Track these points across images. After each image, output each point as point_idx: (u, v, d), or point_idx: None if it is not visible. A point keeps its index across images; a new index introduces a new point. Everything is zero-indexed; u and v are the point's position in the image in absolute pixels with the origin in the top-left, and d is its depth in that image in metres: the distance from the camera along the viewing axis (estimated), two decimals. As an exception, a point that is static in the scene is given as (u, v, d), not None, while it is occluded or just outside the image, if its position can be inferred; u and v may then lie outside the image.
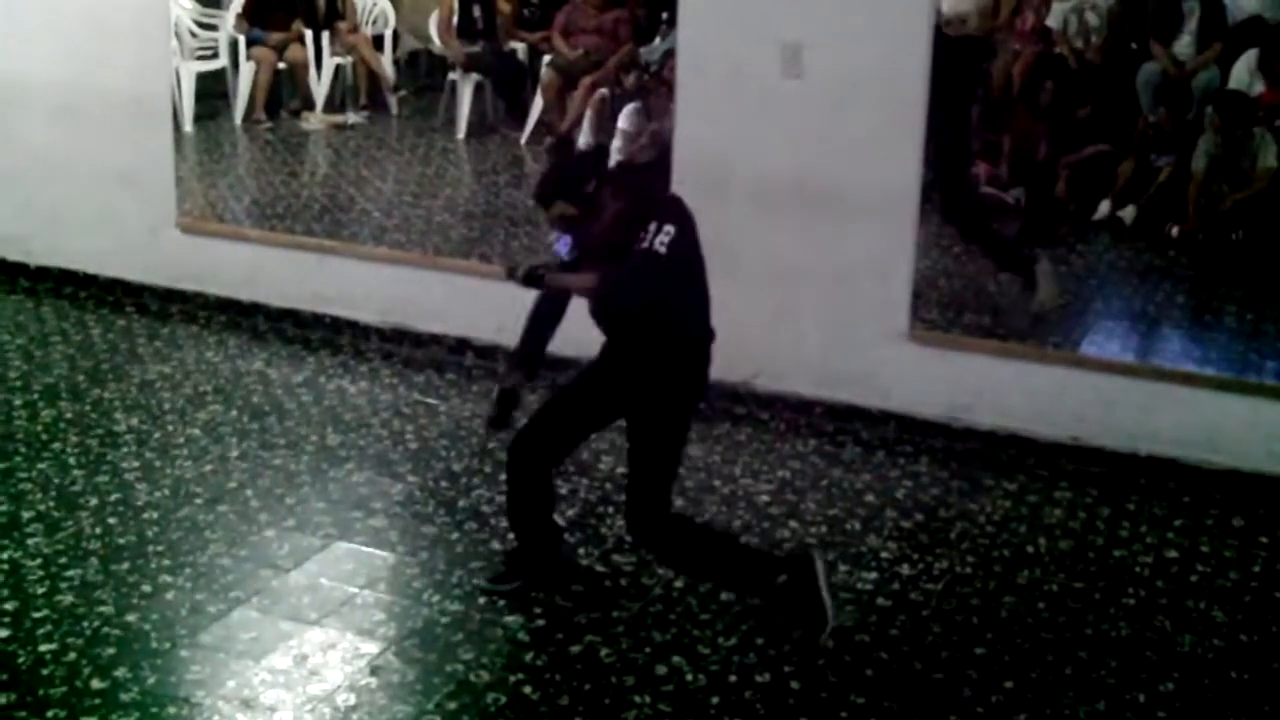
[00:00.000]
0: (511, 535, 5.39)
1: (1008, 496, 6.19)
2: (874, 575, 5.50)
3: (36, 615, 5.03)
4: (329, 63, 11.54)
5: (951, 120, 7.41)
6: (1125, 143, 9.34)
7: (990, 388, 6.60)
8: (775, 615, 5.05)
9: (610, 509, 5.91)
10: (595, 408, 5.16)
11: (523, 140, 10.98)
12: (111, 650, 4.85)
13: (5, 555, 5.43)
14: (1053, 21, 10.12)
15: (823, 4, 6.47)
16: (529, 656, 4.90)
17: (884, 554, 5.67)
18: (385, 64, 11.92)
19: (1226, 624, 5.25)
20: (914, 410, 6.69)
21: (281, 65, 11.30)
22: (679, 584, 5.36)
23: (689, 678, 4.81)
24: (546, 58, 11.11)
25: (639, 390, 4.97)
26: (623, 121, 9.58)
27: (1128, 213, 9.10)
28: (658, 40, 10.68)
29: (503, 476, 6.14)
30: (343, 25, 11.67)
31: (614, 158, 9.62)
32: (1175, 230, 8.89)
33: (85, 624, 4.99)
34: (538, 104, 10.92)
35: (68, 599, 5.15)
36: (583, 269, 4.94)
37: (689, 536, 5.15)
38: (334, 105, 11.59)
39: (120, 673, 4.73)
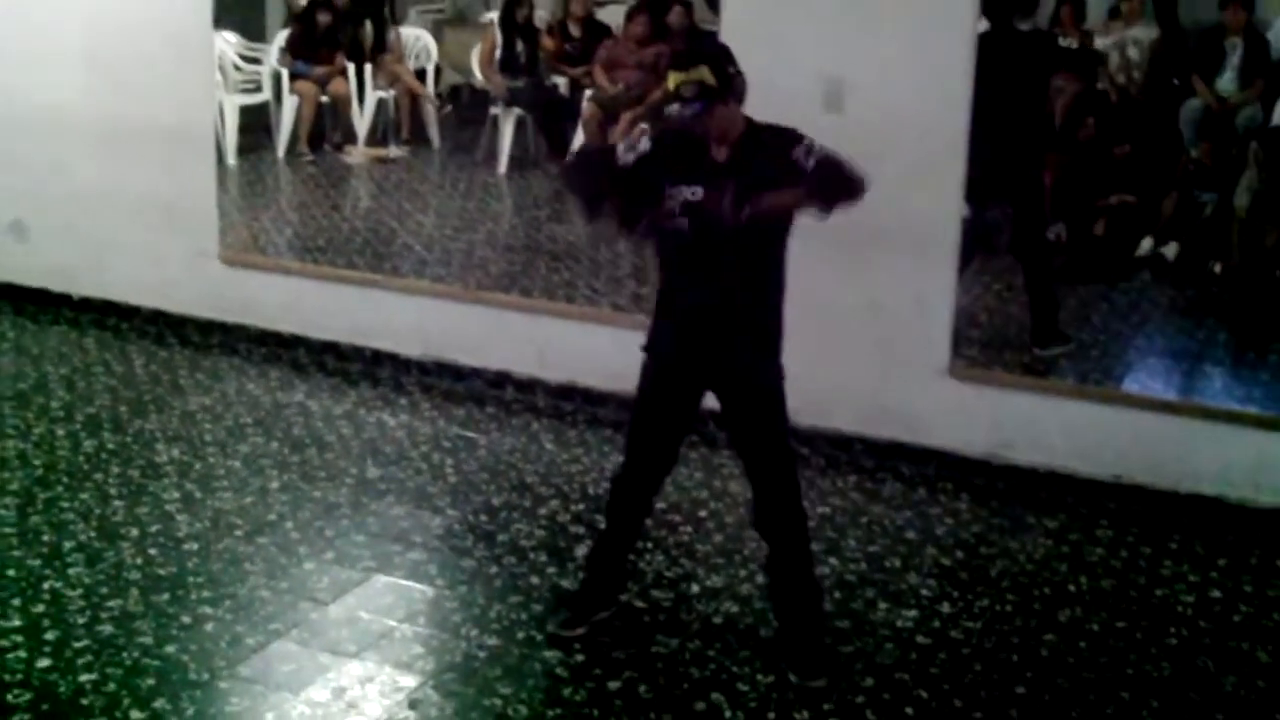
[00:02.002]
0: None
1: (1049, 534, 6.15)
2: (914, 613, 5.47)
3: (77, 645, 5.05)
4: (371, 96, 11.59)
5: (1031, 155, 7.40)
6: (1167, 179, 9.30)
7: (1032, 425, 6.57)
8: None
9: (650, 544, 5.90)
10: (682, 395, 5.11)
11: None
12: (151, 681, 4.85)
13: (47, 585, 5.45)
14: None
15: (864, 39, 6.47)
16: (567, 692, 4.89)
17: (924, 591, 5.64)
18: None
19: (1270, 664, 5.20)
20: (955, 447, 6.66)
21: (324, 99, 11.35)
22: (718, 620, 5.34)
23: (727, 715, 4.78)
24: (588, 92, 11.14)
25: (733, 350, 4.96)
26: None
27: (1170, 249, 9.05)
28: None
29: (541, 511, 6.17)
30: (389, 57, 11.72)
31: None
32: (1218, 267, 8.84)
33: (125, 654, 5.00)
34: (579, 138, 10.94)
35: (108, 629, 5.16)
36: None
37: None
38: (376, 139, 11.63)
39: (159, 704, 4.73)
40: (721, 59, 4.75)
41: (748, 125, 4.82)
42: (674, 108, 4.69)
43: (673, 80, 4.67)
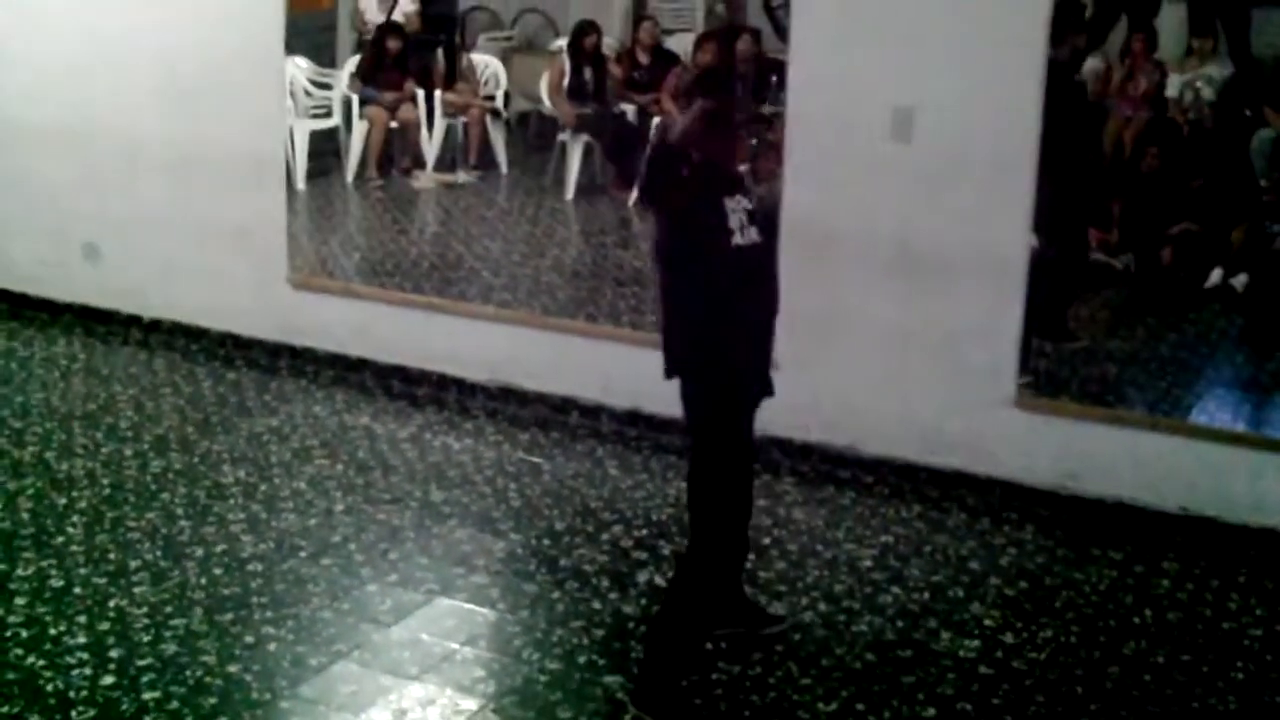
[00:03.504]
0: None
1: (1114, 566, 6.10)
2: (977, 643, 5.43)
3: (141, 663, 5.08)
4: (440, 122, 11.65)
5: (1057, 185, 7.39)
6: (1237, 210, 9.23)
7: (1098, 455, 6.52)
8: None
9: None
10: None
11: (630, 202, 11.01)
12: (213, 700, 4.88)
13: (112, 603, 5.50)
14: (1170, 91, 10.03)
15: (933, 68, 6.45)
16: (627, 717, 4.88)
17: (987, 622, 5.61)
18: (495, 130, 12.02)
19: (1339, 701, 5.15)
20: (1020, 477, 6.62)
21: (393, 124, 11.42)
22: (780, 648, 5.32)
23: (788, 742, 4.78)
24: (656, 120, 11.15)
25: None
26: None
27: (1240, 280, 8.98)
28: (766, 104, 10.69)
29: (605, 536, 6.18)
30: (462, 85, 11.78)
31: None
32: (1288, 298, 8.77)
33: (188, 673, 5.03)
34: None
35: (172, 648, 5.20)
36: None
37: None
38: (444, 165, 11.68)
39: (222, 723, 4.77)
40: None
41: None
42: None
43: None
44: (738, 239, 4.77)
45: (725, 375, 4.88)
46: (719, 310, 4.78)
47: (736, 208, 4.79)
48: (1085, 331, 7.96)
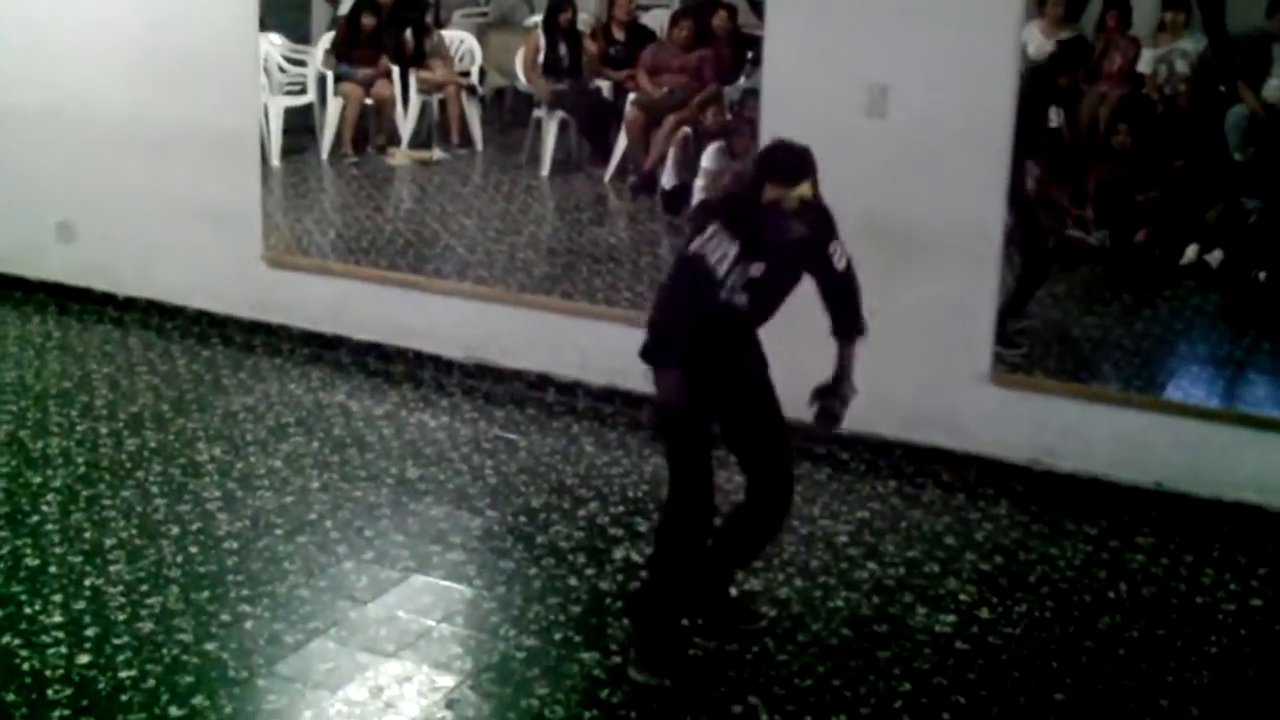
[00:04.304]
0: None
1: (1089, 541, 6.13)
2: (952, 618, 5.45)
3: (117, 642, 5.08)
4: (415, 99, 11.62)
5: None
6: (1212, 186, 9.25)
7: (1073, 431, 6.54)
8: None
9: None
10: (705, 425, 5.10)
11: (606, 178, 11.00)
12: (190, 678, 4.88)
13: (88, 582, 5.49)
14: (1144, 66, 10.04)
15: (908, 45, 6.46)
16: (604, 693, 4.89)
17: (963, 597, 5.63)
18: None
19: (1312, 674, 5.18)
20: (995, 453, 6.64)
21: (368, 101, 11.39)
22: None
23: (764, 717, 4.78)
24: (631, 96, 11.13)
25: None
26: (706, 160, 9.60)
27: (1214, 257, 9.00)
28: (742, 80, 10.69)
29: (581, 513, 6.18)
30: (439, 67, 11.74)
31: (696, 196, 9.65)
32: (1262, 275, 8.79)
33: (164, 651, 5.03)
34: (622, 142, 10.94)
35: (148, 626, 5.19)
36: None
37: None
38: (419, 141, 11.66)
39: (198, 701, 4.76)
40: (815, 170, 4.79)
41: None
42: (795, 225, 4.75)
43: (797, 195, 4.71)
44: (724, 295, 4.79)
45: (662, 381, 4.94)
46: (683, 325, 4.89)
47: (742, 270, 4.77)
48: (1053, 312, 7.96)
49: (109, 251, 8.67)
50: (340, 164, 11.20)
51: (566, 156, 11.47)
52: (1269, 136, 9.42)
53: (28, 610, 5.27)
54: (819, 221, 4.89)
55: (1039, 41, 9.55)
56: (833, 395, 5.19)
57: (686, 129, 10.28)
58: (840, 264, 5.02)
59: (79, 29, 8.44)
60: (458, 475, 6.56)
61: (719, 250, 4.75)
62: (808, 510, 6.31)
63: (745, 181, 4.85)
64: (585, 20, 12.14)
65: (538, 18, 12.04)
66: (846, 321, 5.17)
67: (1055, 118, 8.37)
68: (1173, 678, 5.10)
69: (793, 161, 4.76)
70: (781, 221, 4.73)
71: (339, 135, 11.21)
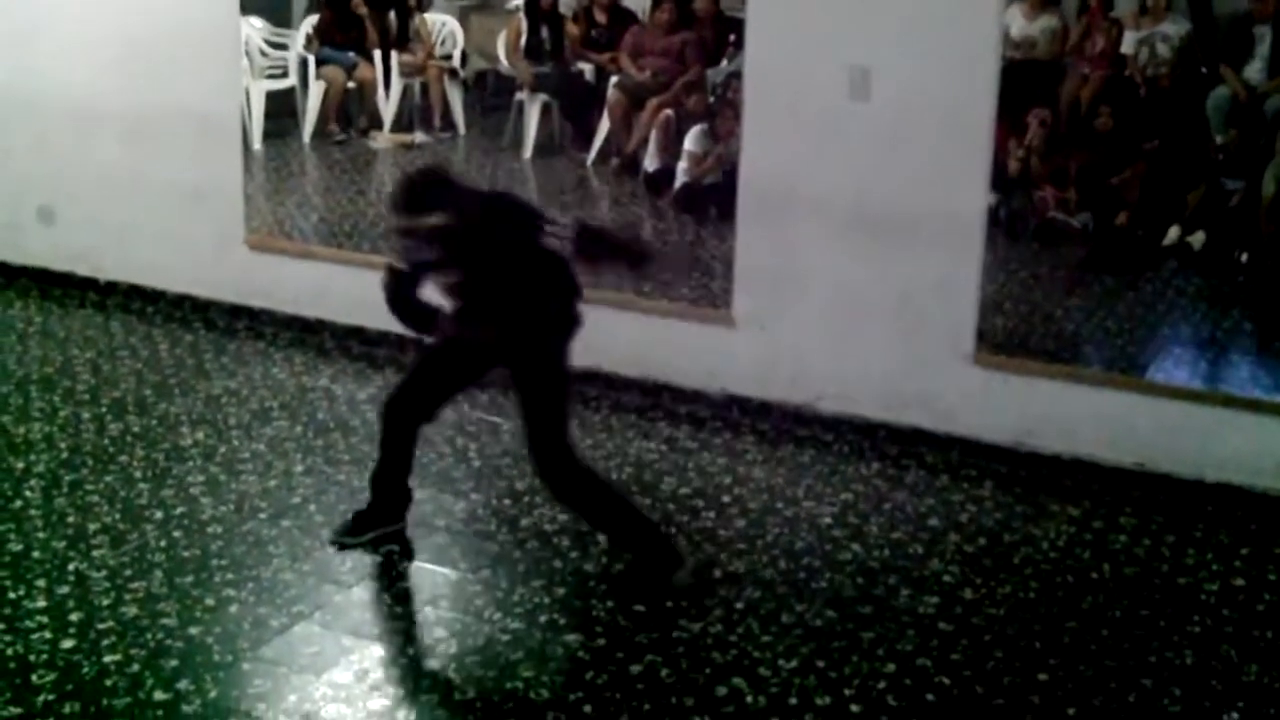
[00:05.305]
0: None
1: (1072, 522, 6.14)
2: (936, 599, 5.47)
3: (101, 626, 5.07)
4: (397, 83, 11.60)
5: None
6: (1194, 168, 9.26)
7: (1056, 412, 6.56)
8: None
9: (673, 529, 5.91)
10: (468, 365, 5.62)
11: (589, 161, 10.99)
12: (174, 662, 4.88)
13: (72, 567, 5.48)
14: (1126, 48, 10.05)
15: (890, 27, 6.46)
16: (589, 675, 4.90)
17: (946, 578, 5.64)
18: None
19: (1293, 654, 5.20)
20: (979, 434, 6.66)
21: (350, 85, 11.36)
22: (740, 605, 5.35)
23: (749, 699, 4.79)
24: (613, 79, 11.12)
25: (514, 342, 5.41)
26: (689, 143, 9.62)
27: (1197, 238, 9.02)
28: (725, 62, 10.69)
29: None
30: (419, 51, 11.72)
31: (680, 179, 9.66)
32: (1244, 256, 8.81)
33: (149, 636, 5.02)
34: (604, 125, 10.94)
35: (132, 611, 5.18)
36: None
37: (594, 486, 5.53)
38: (402, 125, 11.64)
39: (183, 685, 4.75)
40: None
41: None
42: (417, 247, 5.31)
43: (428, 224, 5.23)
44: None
45: None
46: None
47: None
48: (1035, 293, 7.98)
49: (90, 236, 8.65)
50: (322, 147, 11.18)
51: (549, 139, 11.46)
52: (1251, 118, 9.44)
53: (11, 595, 5.26)
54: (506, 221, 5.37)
55: (1020, 24, 9.58)
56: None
57: (669, 112, 10.28)
58: (567, 249, 5.32)
59: (59, 12, 8.40)
60: (441, 458, 6.55)
61: None
62: (791, 492, 6.32)
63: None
64: (567, 3, 12.11)
65: (520, 1, 12.02)
66: (622, 261, 5.85)
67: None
68: (1155, 658, 5.11)
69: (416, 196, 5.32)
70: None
71: (321, 119, 11.19)
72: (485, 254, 5.27)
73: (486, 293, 5.33)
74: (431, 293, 5.43)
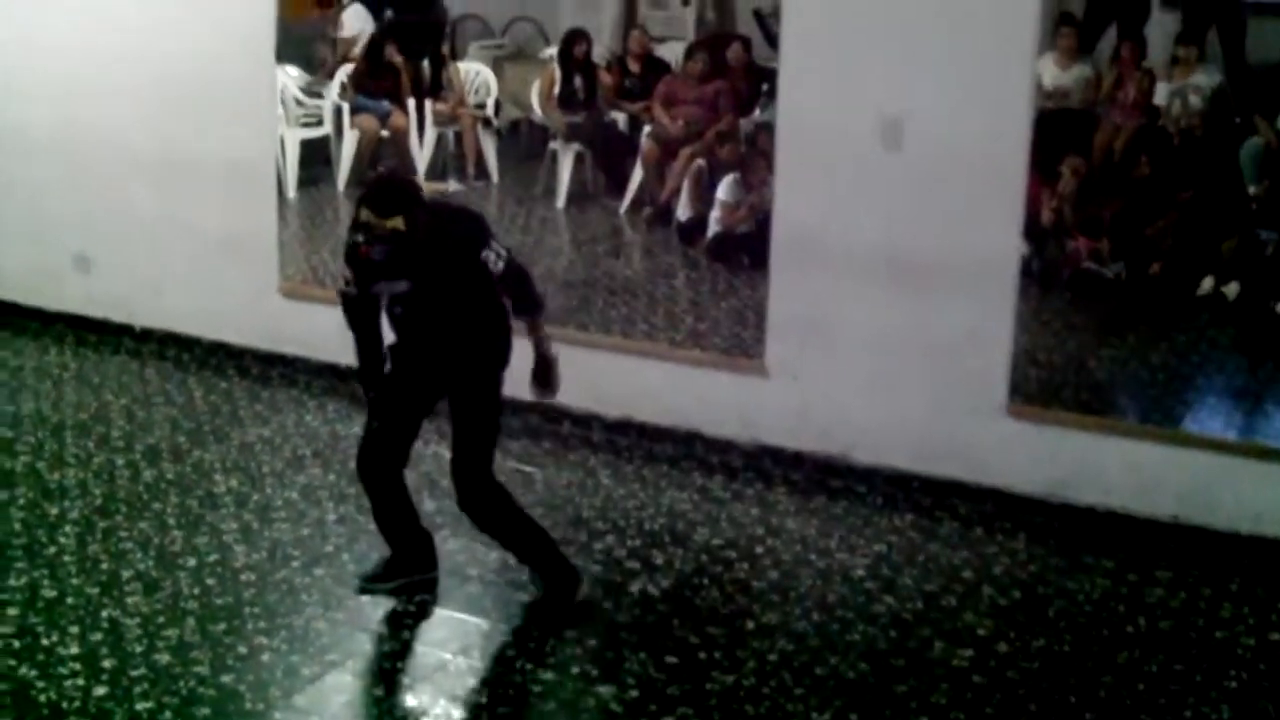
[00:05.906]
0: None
1: (1107, 575, 6.11)
2: (970, 652, 5.44)
3: (134, 674, 5.08)
4: (430, 131, 11.64)
5: None
6: (1228, 218, 9.24)
7: (1090, 464, 6.53)
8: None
9: (705, 580, 5.90)
10: (417, 400, 5.73)
11: (622, 210, 11.00)
12: (206, 710, 4.88)
13: (105, 614, 5.49)
14: (1159, 99, 10.05)
15: (923, 76, 6.47)
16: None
17: (980, 631, 5.61)
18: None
19: (1331, 709, 5.16)
20: (1013, 486, 6.63)
21: (384, 133, 11.41)
22: (773, 657, 5.33)
23: (782, 752, 4.77)
24: (646, 128, 11.15)
25: (456, 368, 5.61)
26: (721, 192, 9.63)
27: (1231, 289, 8.99)
28: (757, 111, 10.71)
29: (598, 546, 6.18)
30: (451, 98, 11.77)
31: (712, 228, 9.67)
32: (1279, 306, 8.77)
33: (181, 684, 5.03)
34: (637, 174, 10.95)
35: (165, 658, 5.19)
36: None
37: (508, 509, 5.72)
38: (435, 173, 11.68)
39: (215, 734, 4.76)
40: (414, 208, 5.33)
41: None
42: (370, 247, 5.31)
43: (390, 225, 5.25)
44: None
45: None
46: None
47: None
48: (1069, 343, 7.95)
49: (126, 282, 8.69)
50: (357, 196, 11.18)
51: (582, 188, 11.47)
52: (1284, 168, 9.41)
53: (45, 641, 5.28)
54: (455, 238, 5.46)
55: (1053, 73, 9.58)
56: (542, 370, 5.84)
57: (701, 161, 10.28)
58: (498, 267, 5.47)
59: (97, 60, 8.46)
60: (474, 507, 6.55)
61: None
62: (824, 543, 6.30)
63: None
64: (601, 53, 12.16)
65: (553, 50, 12.06)
66: (524, 304, 5.69)
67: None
68: (1191, 712, 5.08)
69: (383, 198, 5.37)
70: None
71: (355, 167, 11.23)
72: (435, 265, 5.34)
73: (431, 308, 5.47)
74: (385, 326, 5.62)
